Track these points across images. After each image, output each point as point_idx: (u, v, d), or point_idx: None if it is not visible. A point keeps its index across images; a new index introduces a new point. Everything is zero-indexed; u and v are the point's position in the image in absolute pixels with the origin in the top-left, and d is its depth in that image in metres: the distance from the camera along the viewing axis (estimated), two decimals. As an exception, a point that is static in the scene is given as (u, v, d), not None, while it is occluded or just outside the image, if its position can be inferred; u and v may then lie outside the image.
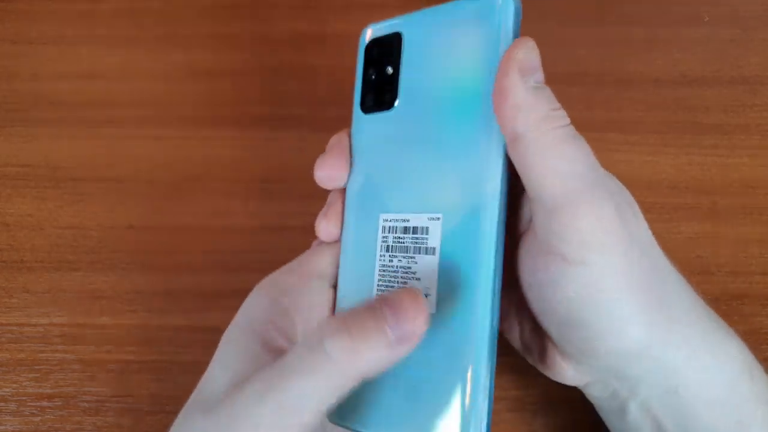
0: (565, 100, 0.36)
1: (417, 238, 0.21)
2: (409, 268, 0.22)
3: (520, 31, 0.20)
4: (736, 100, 0.36)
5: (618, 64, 0.37)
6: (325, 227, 0.24)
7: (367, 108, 0.24)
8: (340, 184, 0.24)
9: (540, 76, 0.20)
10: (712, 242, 0.32)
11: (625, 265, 0.19)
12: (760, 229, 0.33)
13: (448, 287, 0.20)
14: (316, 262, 0.24)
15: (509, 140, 0.19)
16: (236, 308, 0.31)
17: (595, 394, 0.23)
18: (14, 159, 0.34)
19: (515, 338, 0.25)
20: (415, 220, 0.21)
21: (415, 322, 0.17)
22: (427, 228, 0.21)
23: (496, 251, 0.19)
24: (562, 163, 0.19)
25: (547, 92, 0.20)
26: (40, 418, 0.28)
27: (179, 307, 0.31)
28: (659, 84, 0.36)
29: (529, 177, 0.19)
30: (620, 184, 0.21)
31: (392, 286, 0.22)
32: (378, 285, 0.22)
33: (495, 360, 0.19)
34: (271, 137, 0.35)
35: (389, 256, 0.22)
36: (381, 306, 0.17)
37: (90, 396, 0.29)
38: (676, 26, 0.38)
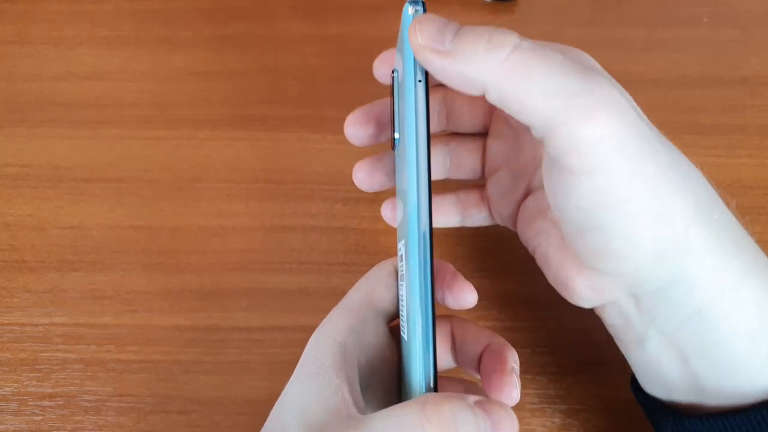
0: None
1: (401, 266, 0.22)
2: (402, 296, 0.22)
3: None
4: (736, 101, 0.36)
5: (617, 65, 0.37)
6: None
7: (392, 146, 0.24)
8: (365, 142, 0.25)
9: (440, 28, 0.19)
10: (711, 242, 0.32)
11: (632, 166, 0.18)
12: (760, 229, 0.33)
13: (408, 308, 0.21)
14: (370, 296, 0.23)
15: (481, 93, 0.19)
16: (236, 308, 0.31)
17: (613, 321, 0.22)
18: (15, 159, 0.34)
19: (541, 253, 0.24)
20: (402, 247, 0.22)
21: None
22: (402, 255, 0.21)
23: (424, 284, 0.20)
24: (532, 92, 0.18)
25: (468, 31, 0.18)
26: (41, 417, 0.28)
27: (179, 307, 0.31)
28: (659, 84, 0.36)
29: (514, 115, 0.18)
30: (609, 78, 0.21)
31: (403, 317, 0.22)
32: (401, 316, 0.22)
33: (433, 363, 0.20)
34: (271, 137, 0.35)
35: (401, 284, 0.22)
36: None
37: (91, 395, 0.29)
38: (675, 27, 0.38)
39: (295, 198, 0.33)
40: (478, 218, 0.28)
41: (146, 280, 0.31)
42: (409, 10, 0.19)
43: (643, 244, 0.19)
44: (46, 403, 0.29)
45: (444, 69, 0.19)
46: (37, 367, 0.30)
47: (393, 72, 0.22)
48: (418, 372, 0.20)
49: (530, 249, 0.25)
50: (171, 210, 0.33)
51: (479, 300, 0.30)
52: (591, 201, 0.18)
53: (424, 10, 0.19)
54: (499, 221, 0.28)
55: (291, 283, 0.31)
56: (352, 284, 0.31)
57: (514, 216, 0.26)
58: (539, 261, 0.24)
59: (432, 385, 0.20)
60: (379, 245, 0.31)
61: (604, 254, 0.20)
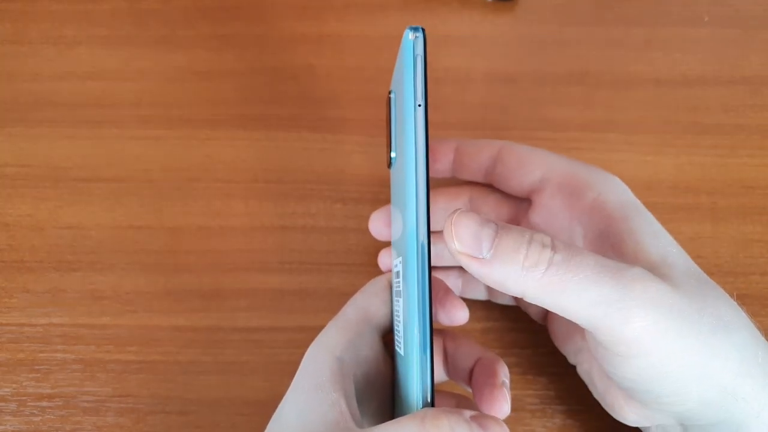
0: (566, 100, 0.36)
1: (398, 282, 0.22)
2: (398, 311, 0.22)
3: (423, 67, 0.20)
4: (737, 100, 0.36)
5: (618, 64, 0.37)
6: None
7: (388, 164, 0.24)
8: (388, 238, 0.27)
9: (476, 233, 0.19)
10: (712, 242, 0.32)
11: (672, 347, 0.19)
12: (760, 229, 0.33)
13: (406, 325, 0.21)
14: (366, 310, 0.24)
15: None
16: (236, 308, 0.31)
17: None
18: (14, 159, 0.34)
19: (584, 371, 0.25)
20: (399, 263, 0.22)
21: None
22: (398, 272, 0.22)
23: (423, 290, 0.20)
24: (570, 304, 0.19)
25: (506, 241, 0.19)
26: (40, 418, 0.28)
27: (179, 307, 0.31)
28: (659, 84, 0.36)
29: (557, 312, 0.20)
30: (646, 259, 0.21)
31: (398, 331, 0.22)
32: (396, 330, 0.23)
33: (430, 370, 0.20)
34: (271, 137, 0.35)
35: (396, 300, 0.22)
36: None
37: (90, 396, 0.29)
38: (676, 26, 0.38)
39: (294, 198, 0.33)
40: (504, 297, 0.30)
41: (146, 281, 0.31)
42: (409, 35, 0.19)
43: (689, 398, 0.20)
44: (44, 403, 0.29)
45: (482, 276, 0.19)
46: (35, 367, 0.29)
47: (390, 93, 0.23)
48: (415, 386, 0.20)
49: (569, 358, 0.26)
50: (170, 210, 0.33)
51: (480, 300, 0.30)
52: (637, 375, 0.20)
53: (424, 37, 0.19)
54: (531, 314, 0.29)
55: (291, 284, 0.31)
56: (352, 284, 0.31)
57: (544, 317, 0.28)
58: (581, 374, 0.26)
59: (429, 399, 0.20)
60: (378, 245, 0.31)
61: (653, 404, 0.21)
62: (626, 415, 0.23)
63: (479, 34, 0.38)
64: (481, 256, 0.19)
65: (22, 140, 0.35)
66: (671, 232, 0.23)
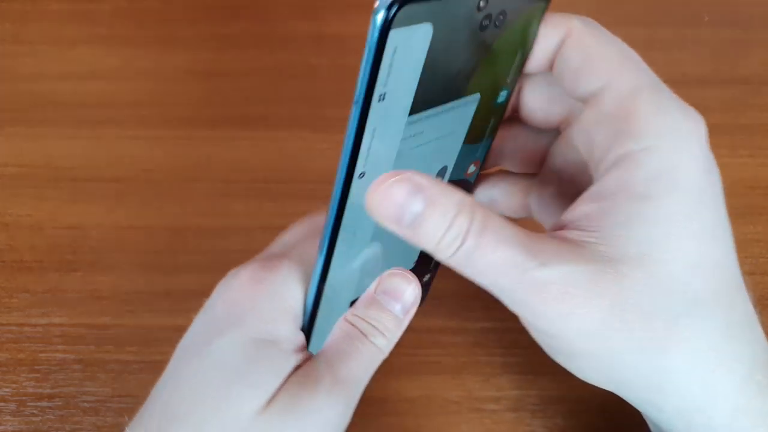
0: (566, 100, 0.36)
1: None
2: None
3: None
4: (737, 100, 0.36)
5: (618, 64, 0.37)
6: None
7: None
8: None
9: (401, 204, 0.18)
10: (712, 242, 0.32)
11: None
12: (760, 229, 0.33)
13: None
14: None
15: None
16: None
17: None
18: (14, 159, 0.34)
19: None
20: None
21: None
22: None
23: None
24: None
25: (426, 222, 0.18)
26: (40, 418, 0.28)
27: (179, 307, 0.31)
28: (659, 84, 0.36)
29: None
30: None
31: None
32: None
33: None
34: (270, 137, 0.35)
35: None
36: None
37: (90, 396, 0.29)
38: (676, 26, 0.38)
39: (295, 198, 0.33)
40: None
41: (146, 280, 0.31)
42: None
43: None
44: (44, 403, 0.29)
45: (403, 235, 0.19)
46: (35, 367, 0.29)
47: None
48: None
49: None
50: (170, 210, 0.33)
51: (481, 300, 0.30)
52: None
53: (388, 17, 0.16)
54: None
55: (291, 284, 0.31)
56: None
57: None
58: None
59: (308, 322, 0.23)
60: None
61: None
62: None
63: (479, 34, 0.38)
64: (402, 225, 0.18)
65: (23, 140, 0.35)
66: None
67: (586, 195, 0.20)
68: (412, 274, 0.22)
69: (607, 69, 0.20)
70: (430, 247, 0.18)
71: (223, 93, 0.36)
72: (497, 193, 0.27)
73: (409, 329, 0.30)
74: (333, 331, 0.23)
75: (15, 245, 0.32)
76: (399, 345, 0.29)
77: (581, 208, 0.20)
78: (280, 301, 0.22)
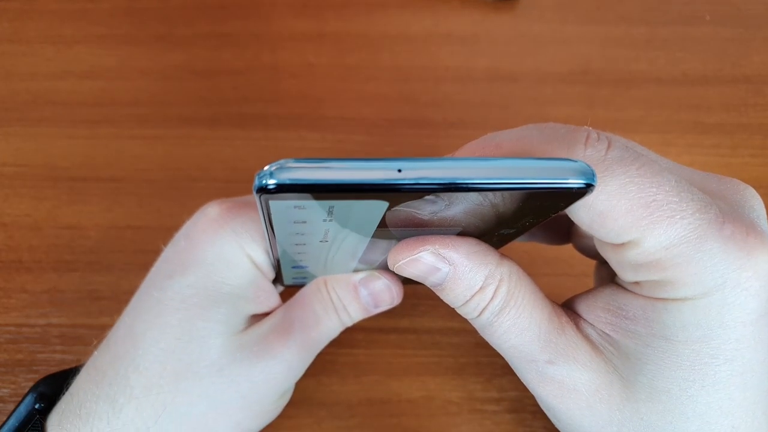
0: (567, 99, 0.36)
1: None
2: None
3: None
4: (738, 100, 0.36)
5: (619, 63, 0.37)
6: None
7: None
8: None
9: (438, 271, 0.18)
10: (713, 242, 0.32)
11: None
12: (761, 229, 0.32)
13: None
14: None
15: None
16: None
17: None
18: (12, 158, 0.34)
19: None
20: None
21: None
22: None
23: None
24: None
25: (451, 286, 0.19)
26: (38, 419, 0.28)
27: (178, 308, 0.31)
28: (661, 83, 0.36)
29: None
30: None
31: None
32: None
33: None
34: (269, 136, 0.35)
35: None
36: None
37: (88, 397, 0.29)
38: (677, 25, 0.38)
39: (294, 198, 0.33)
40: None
41: (144, 281, 0.31)
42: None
43: None
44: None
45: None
46: (34, 368, 0.29)
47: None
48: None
49: None
50: (169, 210, 0.33)
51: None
52: None
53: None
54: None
55: (290, 284, 0.31)
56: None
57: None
58: None
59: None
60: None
61: None
62: None
63: (480, 32, 0.38)
64: (432, 282, 0.19)
65: (20, 140, 0.34)
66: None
67: (608, 294, 0.20)
68: (397, 283, 0.24)
69: (632, 225, 0.16)
70: (455, 304, 0.20)
71: (221, 92, 0.36)
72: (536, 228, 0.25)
73: (410, 330, 0.30)
74: (310, 289, 0.24)
75: (13, 245, 0.32)
76: (400, 346, 0.29)
77: (601, 309, 0.19)
78: (238, 248, 0.23)
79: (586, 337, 0.19)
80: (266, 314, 0.25)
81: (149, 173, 0.34)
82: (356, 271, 0.24)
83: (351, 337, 0.28)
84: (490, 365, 0.29)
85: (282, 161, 0.14)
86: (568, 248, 0.25)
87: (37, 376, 0.29)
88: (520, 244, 0.26)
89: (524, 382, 0.21)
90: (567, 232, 0.24)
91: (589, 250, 0.23)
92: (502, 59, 0.37)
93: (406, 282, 0.25)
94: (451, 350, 0.29)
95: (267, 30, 0.38)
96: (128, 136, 0.34)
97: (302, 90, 0.36)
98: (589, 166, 0.14)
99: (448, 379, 0.28)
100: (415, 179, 0.13)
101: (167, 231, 0.32)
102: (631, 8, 0.38)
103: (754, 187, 0.33)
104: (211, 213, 0.24)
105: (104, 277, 0.31)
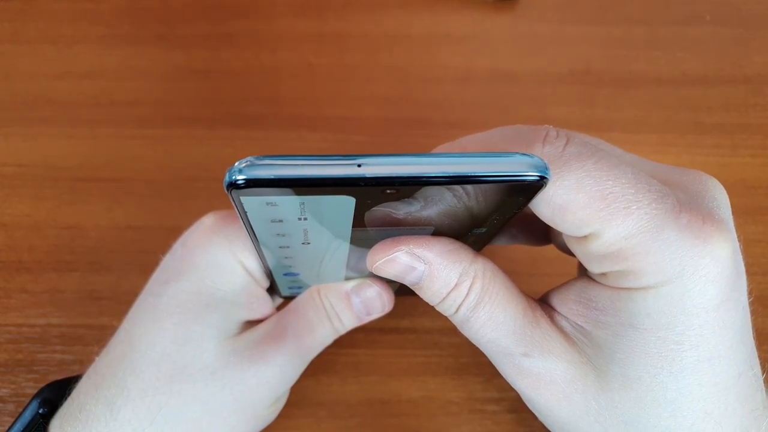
0: (567, 99, 0.36)
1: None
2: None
3: None
4: (739, 100, 0.36)
5: (619, 63, 0.37)
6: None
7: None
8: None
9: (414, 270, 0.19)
10: (713, 242, 0.32)
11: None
12: (761, 229, 0.32)
13: None
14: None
15: None
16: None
17: None
18: (12, 159, 0.34)
19: None
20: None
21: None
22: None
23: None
24: None
25: (428, 284, 0.19)
26: (38, 419, 0.28)
27: (178, 308, 0.31)
28: (661, 83, 0.36)
29: None
30: None
31: None
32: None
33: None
34: (270, 136, 0.35)
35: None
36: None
37: (88, 397, 0.29)
38: (677, 25, 0.38)
39: (294, 198, 0.33)
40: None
41: (144, 281, 0.31)
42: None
43: None
44: (43, 404, 0.29)
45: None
46: (34, 368, 0.29)
47: None
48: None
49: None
50: (169, 210, 0.33)
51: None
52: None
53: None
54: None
55: (290, 284, 0.31)
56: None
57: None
58: None
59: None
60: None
61: None
62: None
63: (480, 32, 0.38)
64: (410, 281, 0.19)
65: (21, 140, 0.34)
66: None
67: (579, 287, 0.20)
68: (388, 290, 0.24)
69: (590, 217, 0.17)
70: (432, 302, 0.20)
71: (222, 92, 0.36)
72: (516, 230, 0.26)
73: (410, 330, 0.30)
74: (304, 297, 0.25)
75: (13, 245, 0.32)
76: (400, 346, 0.29)
77: (573, 302, 0.20)
78: (230, 254, 0.23)
79: (561, 330, 0.20)
80: (260, 321, 0.25)
81: (149, 173, 0.34)
82: (348, 279, 0.24)
83: (351, 337, 0.28)
84: (490, 365, 0.29)
85: (251, 158, 0.14)
86: (568, 248, 0.25)
87: (37, 376, 0.29)
88: (519, 247, 0.26)
89: (504, 377, 0.21)
90: (546, 233, 0.24)
91: (566, 247, 0.23)
92: (502, 59, 0.37)
93: (400, 293, 0.25)
94: (451, 350, 0.29)
95: (267, 30, 0.38)
96: (128, 136, 0.34)
97: (302, 90, 0.36)
98: (542, 159, 0.15)
99: (448, 379, 0.28)
100: (373, 174, 0.14)
101: (167, 231, 0.32)
102: (632, 8, 0.38)
103: (754, 188, 0.33)
104: (206, 222, 0.24)
105: (104, 278, 0.31)
